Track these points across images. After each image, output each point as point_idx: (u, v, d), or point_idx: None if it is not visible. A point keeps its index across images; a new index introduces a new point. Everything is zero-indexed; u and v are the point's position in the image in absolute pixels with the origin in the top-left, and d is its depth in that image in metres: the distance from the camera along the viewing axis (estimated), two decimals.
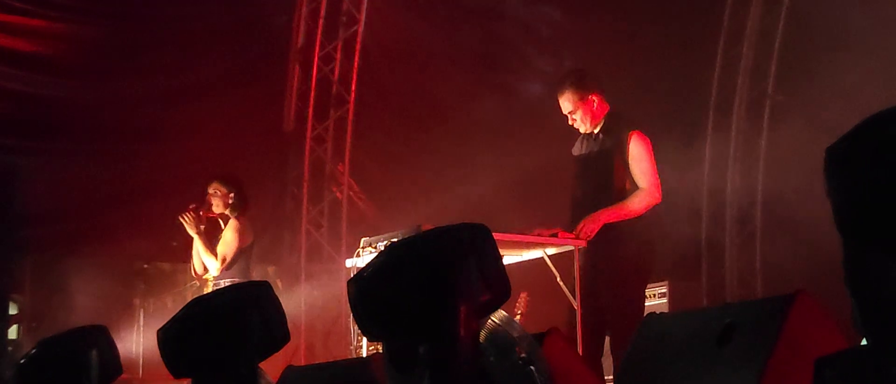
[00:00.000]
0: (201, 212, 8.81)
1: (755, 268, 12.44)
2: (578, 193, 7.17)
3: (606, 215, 6.89)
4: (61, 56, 10.25)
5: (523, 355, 3.37)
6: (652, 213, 7.02)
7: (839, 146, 2.06)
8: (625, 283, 6.85)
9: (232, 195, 8.86)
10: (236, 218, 8.84)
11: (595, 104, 7.06)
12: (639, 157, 6.94)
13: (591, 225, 6.89)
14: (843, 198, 2.05)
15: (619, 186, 6.95)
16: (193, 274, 8.97)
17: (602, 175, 7.00)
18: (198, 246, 8.79)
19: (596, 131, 7.10)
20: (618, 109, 7.23)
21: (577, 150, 7.24)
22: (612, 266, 6.85)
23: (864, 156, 2.00)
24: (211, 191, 8.87)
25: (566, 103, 7.10)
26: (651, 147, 7.01)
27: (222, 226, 8.88)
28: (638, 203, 6.91)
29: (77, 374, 4.09)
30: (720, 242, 12.54)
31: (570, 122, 7.17)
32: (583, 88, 7.09)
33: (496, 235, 3.00)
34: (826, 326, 3.38)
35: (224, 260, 8.73)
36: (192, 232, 8.77)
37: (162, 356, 3.63)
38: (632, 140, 6.94)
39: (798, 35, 11.92)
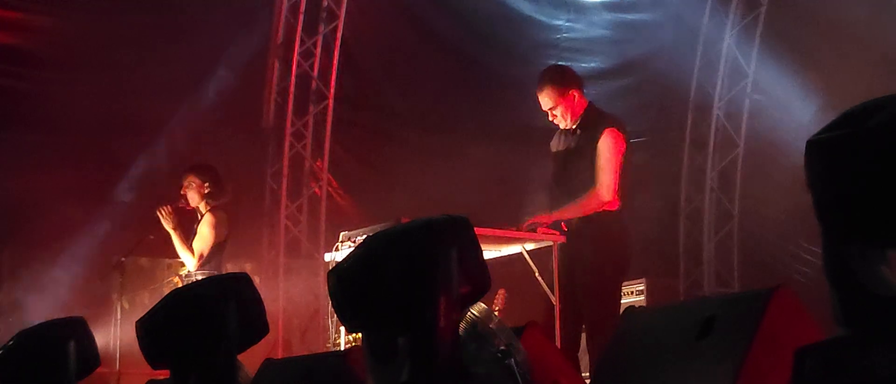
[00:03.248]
0: (178, 205, 8.70)
1: (733, 266, 12.49)
2: (556, 189, 7.16)
3: (564, 214, 6.92)
4: (39, 49, 10.19)
5: (502, 347, 3.38)
6: (628, 210, 7.03)
7: (821, 136, 2.07)
8: (601, 279, 6.85)
9: (207, 185, 8.73)
10: (212, 212, 8.70)
11: (575, 99, 7.05)
12: (602, 152, 6.90)
13: (543, 220, 6.94)
14: (824, 188, 2.06)
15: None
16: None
17: (579, 171, 6.98)
18: (174, 242, 8.69)
19: (574, 127, 7.09)
20: (597, 105, 7.23)
21: (555, 145, 7.22)
22: (589, 262, 6.85)
23: (846, 145, 2.00)
24: (185, 183, 8.72)
25: (546, 99, 7.08)
26: (622, 146, 6.95)
27: (199, 217, 8.78)
28: (584, 204, 6.89)
29: (55, 366, 4.08)
30: (698, 240, 12.58)
31: (550, 118, 7.16)
32: (563, 84, 7.07)
33: (475, 230, 2.99)
34: (805, 320, 3.38)
35: (201, 256, 8.60)
36: (168, 227, 8.66)
37: (140, 347, 3.62)
38: (603, 135, 6.92)
39: (777, 35, 11.97)
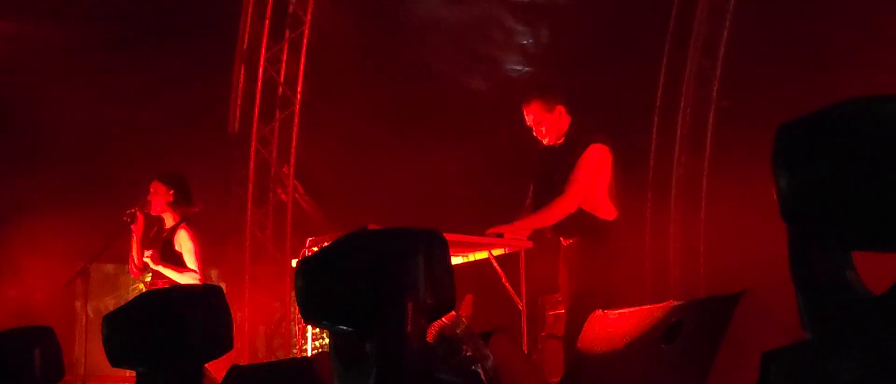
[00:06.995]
0: (143, 210, 8.65)
1: (699, 273, 12.52)
2: (539, 205, 7.16)
3: (528, 223, 6.93)
4: (2, 55, 10.13)
5: (470, 353, 3.38)
6: (620, 230, 7.05)
7: (795, 125, 2.03)
8: (586, 303, 6.81)
9: (172, 192, 8.69)
10: (185, 227, 8.65)
11: (561, 115, 7.07)
12: (582, 163, 6.93)
13: (504, 229, 6.94)
14: (789, 180, 2.02)
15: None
16: (132, 268, 8.77)
17: (560, 186, 6.99)
18: (133, 244, 8.63)
19: (558, 144, 7.11)
20: (581, 122, 7.23)
21: (539, 160, 7.24)
22: (583, 284, 6.84)
23: (819, 138, 1.96)
24: (152, 189, 8.70)
25: (533, 115, 7.10)
26: (607, 159, 6.99)
27: (165, 225, 8.71)
28: (549, 212, 6.92)
29: (20, 375, 4.04)
30: (664, 247, 12.61)
31: (534, 133, 7.17)
32: (550, 100, 7.10)
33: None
34: (771, 324, 3.40)
35: (196, 272, 8.54)
36: (138, 227, 8.61)
37: (104, 344, 3.57)
38: (588, 149, 6.94)
39: (742, 41, 12.01)
